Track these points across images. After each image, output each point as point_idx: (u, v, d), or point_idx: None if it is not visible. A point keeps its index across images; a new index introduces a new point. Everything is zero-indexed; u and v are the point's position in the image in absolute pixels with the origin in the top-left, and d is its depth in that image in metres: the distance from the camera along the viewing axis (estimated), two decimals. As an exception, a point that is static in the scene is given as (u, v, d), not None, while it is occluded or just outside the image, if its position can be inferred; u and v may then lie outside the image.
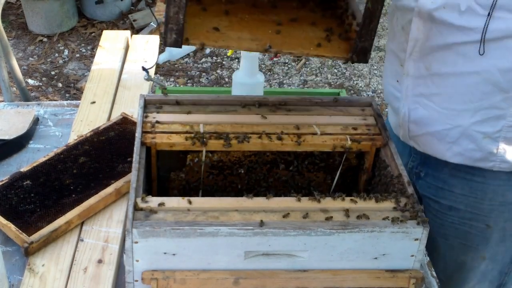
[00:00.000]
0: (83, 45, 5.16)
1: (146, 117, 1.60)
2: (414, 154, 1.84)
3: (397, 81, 1.74)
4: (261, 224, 1.31)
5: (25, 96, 3.34)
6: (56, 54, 5.05)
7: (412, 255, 1.38)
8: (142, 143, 1.52)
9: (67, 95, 4.59)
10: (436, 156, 1.74)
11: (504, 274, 1.91)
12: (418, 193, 1.84)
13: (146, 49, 2.48)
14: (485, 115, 1.61)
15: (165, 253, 1.32)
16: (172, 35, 1.35)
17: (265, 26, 1.50)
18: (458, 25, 1.51)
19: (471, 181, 1.74)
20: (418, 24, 1.59)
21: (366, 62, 1.48)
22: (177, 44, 1.36)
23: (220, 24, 1.45)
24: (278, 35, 1.48)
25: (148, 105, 1.65)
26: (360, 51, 1.46)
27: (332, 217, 1.35)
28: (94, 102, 2.13)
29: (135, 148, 1.49)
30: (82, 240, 1.62)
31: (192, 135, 1.54)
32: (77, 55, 5.04)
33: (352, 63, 1.51)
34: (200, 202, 1.37)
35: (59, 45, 5.15)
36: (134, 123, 1.93)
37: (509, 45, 1.49)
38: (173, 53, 4.89)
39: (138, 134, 1.53)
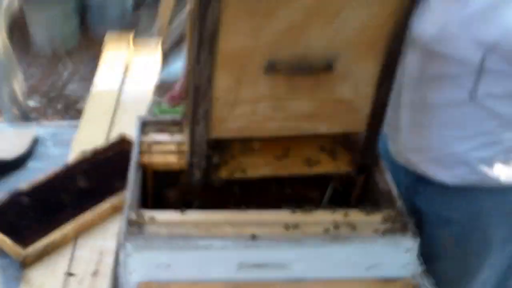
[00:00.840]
0: (83, 65, 5.16)
1: (143, 137, 1.63)
2: (411, 173, 1.85)
3: (394, 110, 1.74)
4: (253, 237, 1.33)
5: (25, 116, 3.37)
6: (56, 75, 5.06)
7: (404, 266, 1.40)
8: (139, 164, 1.55)
9: (67, 116, 4.59)
10: (434, 179, 1.76)
11: (503, 282, 1.92)
12: (416, 207, 1.87)
13: (146, 69, 2.51)
14: (481, 141, 1.63)
15: (159, 265, 1.34)
16: (196, 177, 1.47)
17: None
18: (453, 56, 1.52)
19: (468, 196, 1.75)
20: (413, 55, 1.60)
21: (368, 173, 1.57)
22: (202, 183, 1.48)
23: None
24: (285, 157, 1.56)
25: (145, 125, 1.67)
26: (363, 167, 1.54)
27: (323, 229, 1.37)
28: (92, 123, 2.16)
29: (131, 168, 1.51)
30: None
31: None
32: (78, 76, 5.05)
33: (357, 177, 1.59)
34: (193, 215, 1.40)
35: (60, 65, 5.16)
36: (132, 144, 1.95)
37: (504, 75, 1.51)
38: (172, 73, 4.91)
39: (134, 154, 1.56)
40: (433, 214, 1.84)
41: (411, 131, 1.73)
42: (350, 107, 1.41)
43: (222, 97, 1.34)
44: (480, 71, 1.50)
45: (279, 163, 1.54)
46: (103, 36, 3.04)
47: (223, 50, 1.26)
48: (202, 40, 1.24)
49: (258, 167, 1.53)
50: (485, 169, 1.67)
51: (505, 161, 1.66)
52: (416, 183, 1.84)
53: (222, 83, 1.31)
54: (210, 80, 1.29)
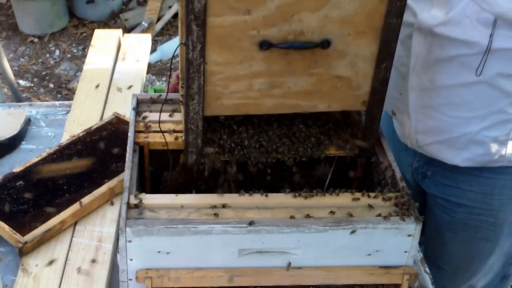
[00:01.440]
0: (74, 45, 5.14)
1: (139, 116, 1.60)
2: (419, 154, 1.84)
3: (400, 93, 1.75)
4: (251, 223, 1.31)
5: (17, 97, 3.34)
6: (47, 55, 5.03)
7: (406, 251, 1.39)
8: (135, 143, 1.52)
9: (58, 95, 4.57)
10: (445, 161, 1.75)
11: (508, 265, 1.93)
12: (423, 192, 1.85)
13: (138, 48, 2.48)
14: (493, 120, 1.63)
15: (159, 251, 1.32)
16: (192, 156, 1.44)
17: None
18: (461, 39, 1.52)
19: (479, 177, 1.75)
20: (419, 39, 1.60)
21: (370, 155, 1.56)
22: (198, 163, 1.45)
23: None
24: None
25: (140, 104, 1.65)
26: (364, 149, 1.52)
27: (325, 214, 1.35)
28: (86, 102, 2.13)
29: (128, 148, 1.49)
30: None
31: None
32: (69, 56, 5.02)
33: (359, 158, 1.57)
34: (193, 199, 1.37)
35: (50, 45, 5.13)
36: (126, 123, 1.93)
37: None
38: (165, 52, 4.90)
39: (130, 134, 1.53)
40: (442, 198, 1.84)
41: (419, 114, 1.72)
42: (348, 84, 1.39)
43: (217, 72, 1.32)
44: (489, 50, 1.49)
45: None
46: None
47: (213, 25, 1.25)
48: (191, 16, 1.22)
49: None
50: (498, 148, 1.66)
51: None
52: (425, 166, 1.84)
53: (216, 58, 1.30)
54: (203, 55, 1.27)
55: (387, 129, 1.85)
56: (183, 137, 1.47)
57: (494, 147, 1.66)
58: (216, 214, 1.33)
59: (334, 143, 1.53)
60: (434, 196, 1.86)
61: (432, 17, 1.55)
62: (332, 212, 1.36)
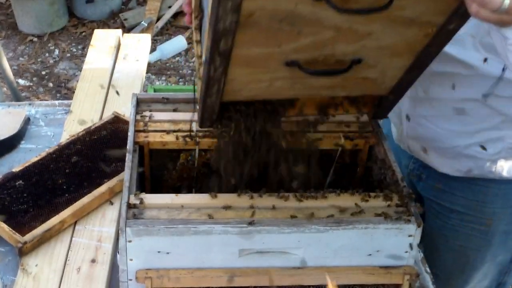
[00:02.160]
0: (73, 44, 5.14)
1: (139, 116, 1.60)
2: (415, 157, 1.84)
3: None
4: (251, 223, 1.31)
5: (16, 96, 3.33)
6: (47, 54, 5.02)
7: (406, 252, 1.38)
8: (135, 142, 1.51)
9: (58, 95, 4.57)
10: (435, 168, 1.75)
11: (504, 274, 1.91)
12: (418, 194, 1.84)
13: (138, 48, 2.47)
14: (484, 137, 1.62)
15: (159, 251, 1.31)
16: (207, 122, 1.42)
17: None
18: (461, 59, 1.52)
19: (472, 184, 1.73)
20: None
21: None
22: (211, 121, 1.43)
23: None
24: None
25: (140, 103, 1.64)
26: (378, 113, 1.53)
27: (326, 213, 1.35)
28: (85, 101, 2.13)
29: (128, 147, 1.49)
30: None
31: (185, 133, 1.53)
32: (68, 55, 5.02)
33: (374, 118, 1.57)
34: (193, 199, 1.37)
35: (49, 44, 5.13)
36: (126, 122, 1.92)
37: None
38: (165, 52, 4.89)
39: (130, 133, 1.53)
40: (435, 203, 1.83)
41: (412, 121, 1.72)
42: (374, 82, 1.37)
43: (237, 80, 1.29)
44: (500, 78, 1.49)
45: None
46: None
47: (239, 55, 1.18)
48: (215, 51, 1.15)
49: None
50: (488, 164, 1.66)
51: (508, 157, 1.64)
52: (420, 168, 1.83)
53: (237, 75, 1.26)
54: (225, 73, 1.23)
55: (387, 128, 1.85)
56: (198, 112, 1.42)
57: (484, 163, 1.66)
58: (216, 214, 1.33)
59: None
60: (428, 200, 1.85)
61: None
62: (332, 212, 1.36)
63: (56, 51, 5.05)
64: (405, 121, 1.73)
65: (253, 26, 1.10)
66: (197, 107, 1.41)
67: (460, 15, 1.16)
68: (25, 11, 5.08)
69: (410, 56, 1.28)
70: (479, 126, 1.61)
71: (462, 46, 1.50)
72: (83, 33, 5.25)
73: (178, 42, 5.05)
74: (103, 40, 2.47)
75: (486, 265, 1.86)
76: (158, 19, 5.18)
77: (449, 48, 1.50)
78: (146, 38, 2.55)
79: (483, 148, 1.63)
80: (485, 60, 1.47)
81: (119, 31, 2.55)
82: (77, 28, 5.33)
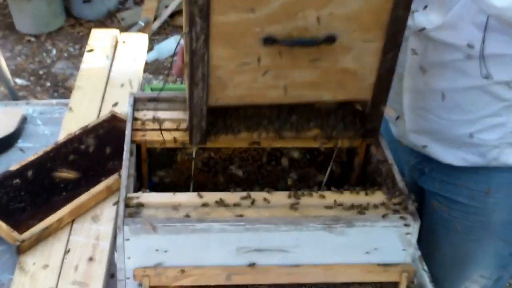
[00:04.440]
0: (71, 44, 5.13)
1: (136, 114, 1.60)
2: (416, 152, 1.84)
3: (395, 94, 1.72)
4: (249, 221, 1.31)
5: (13, 95, 3.33)
6: (44, 54, 5.02)
7: (404, 249, 1.38)
8: (132, 141, 1.51)
9: (55, 94, 4.56)
10: (438, 160, 1.76)
11: (503, 267, 1.91)
12: (420, 189, 1.85)
13: (135, 47, 2.47)
14: (486, 124, 1.63)
15: (156, 250, 1.31)
16: (197, 138, 1.46)
17: None
18: (456, 44, 1.52)
19: (475, 174, 1.74)
20: (415, 42, 1.60)
21: (376, 137, 1.55)
22: (203, 143, 1.47)
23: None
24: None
25: (137, 102, 1.64)
26: (369, 130, 1.51)
27: (323, 212, 1.35)
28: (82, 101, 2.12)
29: (125, 146, 1.49)
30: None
31: (182, 132, 1.53)
32: (65, 55, 5.01)
33: (364, 138, 1.56)
34: (191, 197, 1.37)
35: (46, 44, 5.12)
36: (123, 121, 1.92)
37: (505, 61, 1.51)
38: (162, 51, 4.89)
39: (128, 132, 1.53)
40: (439, 195, 1.84)
41: (413, 114, 1.72)
42: (354, 76, 1.39)
43: (221, 66, 1.32)
44: (483, 56, 1.49)
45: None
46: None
47: (217, 22, 1.25)
48: (194, 9, 1.22)
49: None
50: (491, 151, 1.67)
51: (511, 143, 1.65)
52: (422, 163, 1.84)
53: (220, 53, 1.30)
54: (206, 45, 1.28)
55: (384, 127, 1.85)
56: (187, 121, 1.47)
57: (487, 150, 1.67)
58: (214, 213, 1.33)
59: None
60: (431, 193, 1.86)
61: (429, 21, 1.54)
62: (330, 210, 1.36)
63: (54, 51, 5.05)
64: (407, 116, 1.74)
65: None
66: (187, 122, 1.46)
67: None
68: (22, 11, 5.08)
69: (379, 32, 1.32)
70: (480, 114, 1.61)
71: (455, 30, 1.50)
72: (80, 33, 5.25)
73: (175, 42, 5.05)
74: (100, 39, 2.47)
75: (487, 257, 1.86)
76: (155, 19, 5.17)
77: (444, 36, 1.53)
78: (143, 37, 2.55)
79: (485, 134, 1.64)
80: (483, 41, 1.48)
81: (116, 30, 2.55)
82: (74, 28, 5.32)
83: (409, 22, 1.57)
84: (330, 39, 1.31)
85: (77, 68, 4.68)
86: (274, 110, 1.50)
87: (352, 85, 1.41)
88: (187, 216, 1.31)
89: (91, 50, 2.40)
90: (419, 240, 1.92)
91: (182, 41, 1.55)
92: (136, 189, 1.41)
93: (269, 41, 1.29)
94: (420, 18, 1.56)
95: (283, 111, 1.50)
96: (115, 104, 2.10)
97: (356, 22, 1.30)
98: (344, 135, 1.52)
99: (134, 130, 1.54)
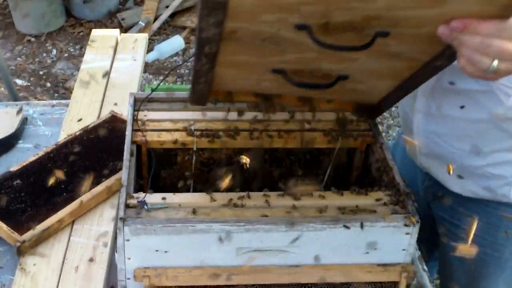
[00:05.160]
0: (71, 44, 5.14)
1: (136, 115, 1.60)
2: (430, 174, 1.81)
3: (409, 110, 1.71)
4: (249, 222, 1.31)
5: (14, 96, 3.33)
6: (44, 54, 5.02)
7: (404, 249, 1.38)
8: (133, 142, 1.52)
9: (55, 95, 4.56)
10: (447, 187, 1.72)
11: None
12: (433, 213, 1.82)
13: (135, 47, 2.47)
14: (497, 159, 1.59)
15: (157, 250, 1.32)
16: (198, 91, 1.38)
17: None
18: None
19: (486, 206, 1.70)
20: None
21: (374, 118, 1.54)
22: (202, 102, 1.43)
23: None
24: None
25: (137, 103, 1.64)
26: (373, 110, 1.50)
27: (323, 212, 1.35)
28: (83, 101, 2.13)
29: (125, 147, 1.49)
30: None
31: (183, 132, 1.53)
32: (66, 55, 5.02)
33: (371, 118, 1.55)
34: (191, 198, 1.37)
35: (47, 44, 5.12)
36: (123, 121, 1.93)
37: None
38: (162, 52, 4.89)
39: (128, 133, 1.53)
40: (450, 223, 1.80)
41: (424, 137, 1.67)
42: (362, 93, 1.38)
43: (224, 77, 1.30)
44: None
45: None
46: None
47: (224, 59, 1.19)
48: (201, 49, 1.15)
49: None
50: (502, 186, 1.63)
51: None
52: (436, 186, 1.79)
53: (224, 72, 1.27)
54: (210, 70, 1.24)
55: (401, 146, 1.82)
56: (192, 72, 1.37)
57: (497, 185, 1.63)
58: (214, 213, 1.33)
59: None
60: (444, 220, 1.81)
61: None
62: (330, 211, 1.36)
63: (54, 51, 5.05)
64: (418, 137, 1.69)
65: (237, 41, 1.11)
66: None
67: (446, 57, 1.15)
68: (22, 11, 5.08)
69: (396, 80, 1.29)
70: (492, 148, 1.57)
71: None
72: (81, 33, 5.25)
73: (175, 42, 5.04)
74: (100, 40, 2.47)
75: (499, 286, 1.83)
76: (155, 19, 5.17)
77: None
78: (144, 37, 2.55)
79: (495, 169, 1.60)
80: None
81: (117, 31, 2.55)
82: (74, 28, 5.33)
83: None
84: (342, 77, 1.26)
85: (77, 68, 4.69)
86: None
87: (360, 96, 1.41)
88: (187, 216, 1.31)
89: (91, 50, 2.40)
90: (439, 273, 1.88)
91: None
92: (137, 190, 1.41)
93: (278, 72, 1.24)
94: None
95: None
96: (115, 104, 2.11)
97: (375, 73, 1.25)
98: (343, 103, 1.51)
99: (134, 130, 1.54)
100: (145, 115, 1.60)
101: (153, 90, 1.60)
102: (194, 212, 1.32)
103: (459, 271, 1.86)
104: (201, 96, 1.39)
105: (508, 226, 1.71)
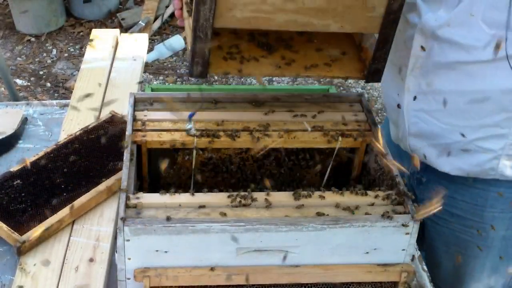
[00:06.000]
0: (71, 44, 5.14)
1: (136, 115, 1.60)
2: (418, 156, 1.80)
3: (398, 94, 1.72)
4: (249, 222, 1.31)
5: (14, 96, 3.33)
6: (44, 54, 5.02)
7: (403, 249, 1.39)
8: (133, 142, 1.52)
9: (55, 94, 4.57)
10: (435, 167, 1.73)
11: (501, 285, 1.87)
12: (417, 197, 1.82)
13: (135, 47, 2.47)
14: (487, 133, 1.60)
15: (157, 250, 1.32)
16: (198, 67, 1.41)
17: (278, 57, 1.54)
18: (463, 43, 1.48)
19: (472, 187, 1.72)
20: (420, 41, 1.56)
21: (379, 81, 1.52)
22: (203, 75, 1.43)
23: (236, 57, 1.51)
24: (293, 62, 1.52)
25: (137, 103, 1.64)
26: (373, 72, 1.48)
27: (323, 212, 1.35)
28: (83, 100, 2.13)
29: (125, 148, 1.49)
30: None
31: (182, 132, 1.53)
32: (66, 55, 5.02)
33: (366, 82, 1.54)
34: (191, 197, 1.37)
35: (47, 44, 5.12)
36: (123, 121, 1.93)
37: None
38: (162, 52, 4.90)
39: (128, 133, 1.53)
40: None
41: (413, 117, 1.69)
42: (363, 4, 1.35)
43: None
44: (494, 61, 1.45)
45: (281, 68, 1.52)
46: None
47: None
48: None
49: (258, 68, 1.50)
50: (490, 160, 1.64)
51: (511, 156, 1.63)
52: (420, 172, 1.80)
53: None
54: None
55: (387, 133, 1.82)
56: (189, 48, 1.42)
57: (486, 159, 1.64)
58: (213, 213, 1.33)
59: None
60: None
61: (436, 18, 1.51)
62: (329, 210, 1.36)
63: (54, 51, 5.05)
64: (407, 117, 1.70)
65: None
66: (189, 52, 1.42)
67: None
68: (22, 11, 5.08)
69: None
70: (482, 122, 1.58)
71: (462, 28, 1.46)
72: (81, 33, 5.25)
73: (175, 42, 5.06)
74: (100, 40, 2.47)
75: (486, 275, 1.84)
76: (155, 19, 5.18)
77: (451, 34, 1.49)
78: (144, 37, 2.55)
79: (485, 143, 1.61)
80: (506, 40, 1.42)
81: (117, 30, 2.55)
82: (74, 28, 5.33)
83: (415, 19, 1.55)
84: None
85: (77, 68, 4.69)
86: None
87: (361, 15, 1.37)
88: (187, 216, 1.31)
89: (91, 50, 2.40)
90: (424, 258, 1.90)
91: None
92: (137, 190, 1.41)
93: None
94: (427, 14, 1.53)
95: None
96: (115, 105, 2.11)
97: None
98: (344, 70, 1.50)
99: (134, 130, 1.54)
100: (145, 115, 1.60)
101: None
102: (194, 212, 1.32)
103: (444, 257, 1.87)
104: (202, 56, 1.37)
105: (493, 206, 1.72)
